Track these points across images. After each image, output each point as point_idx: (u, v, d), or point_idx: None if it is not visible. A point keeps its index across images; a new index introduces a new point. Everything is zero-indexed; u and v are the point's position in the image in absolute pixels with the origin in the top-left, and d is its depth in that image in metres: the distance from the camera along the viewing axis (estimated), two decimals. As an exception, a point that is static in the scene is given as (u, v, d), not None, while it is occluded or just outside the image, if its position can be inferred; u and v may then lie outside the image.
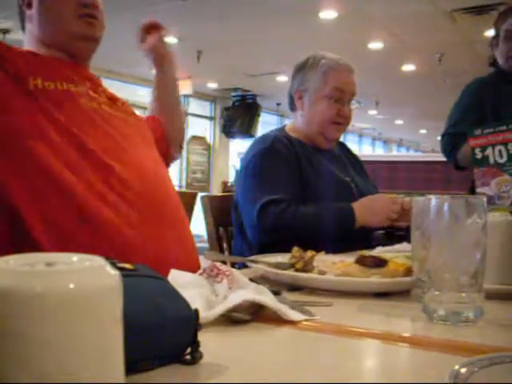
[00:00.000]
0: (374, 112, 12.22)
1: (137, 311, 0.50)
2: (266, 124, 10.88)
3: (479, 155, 1.67)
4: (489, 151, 1.65)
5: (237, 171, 7.42)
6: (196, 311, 0.57)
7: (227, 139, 11.21)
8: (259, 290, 0.78)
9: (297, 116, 1.83)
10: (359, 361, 0.65)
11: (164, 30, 1.58)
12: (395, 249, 1.40)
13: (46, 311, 0.32)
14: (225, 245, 1.83)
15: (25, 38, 1.35)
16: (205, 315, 0.66)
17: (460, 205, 0.74)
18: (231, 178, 10.72)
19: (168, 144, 1.56)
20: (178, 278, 0.77)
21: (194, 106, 10.87)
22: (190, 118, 10.80)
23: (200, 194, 1.98)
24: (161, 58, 1.58)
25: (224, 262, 0.93)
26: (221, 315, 0.69)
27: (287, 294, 0.89)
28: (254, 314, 0.73)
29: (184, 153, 10.54)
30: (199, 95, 10.53)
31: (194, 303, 0.59)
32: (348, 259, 1.09)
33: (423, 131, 15.94)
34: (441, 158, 2.45)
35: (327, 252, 1.15)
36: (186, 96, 10.21)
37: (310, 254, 1.05)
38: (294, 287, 0.98)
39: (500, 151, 1.63)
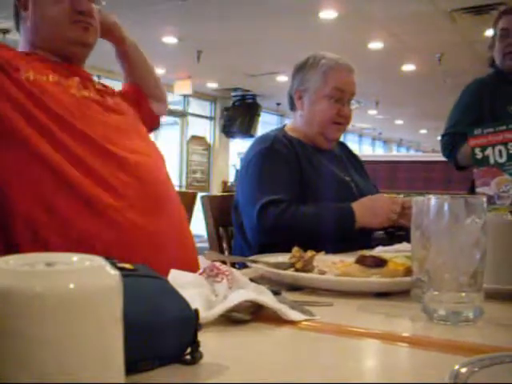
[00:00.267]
0: (373, 112, 12.22)
1: (137, 311, 0.50)
2: (266, 124, 10.88)
3: (479, 155, 1.67)
4: (489, 151, 1.65)
5: (237, 171, 7.41)
6: (196, 311, 0.57)
7: (227, 139, 11.21)
8: (259, 289, 0.78)
9: (296, 116, 1.83)
10: (359, 361, 0.65)
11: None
12: (395, 249, 1.40)
13: (46, 311, 0.32)
14: (225, 245, 1.83)
15: (20, 39, 1.35)
16: (205, 315, 0.66)
17: (460, 205, 0.74)
18: (231, 177, 10.73)
19: (150, 105, 1.58)
20: (178, 277, 0.77)
21: (194, 106, 10.87)
22: (190, 118, 10.80)
23: (200, 194, 1.98)
24: (111, 29, 1.51)
25: (224, 262, 0.93)
26: (221, 315, 0.69)
27: (287, 294, 0.89)
28: (254, 313, 0.73)
29: (184, 153, 10.54)
30: (199, 95, 10.53)
31: (194, 303, 0.59)
32: (348, 259, 1.09)
33: (423, 131, 15.94)
34: (441, 157, 2.45)
35: (327, 252, 1.15)
36: (186, 96, 10.22)
37: (309, 253, 1.05)
38: (294, 287, 0.98)
39: (500, 151, 1.64)
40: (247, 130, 10.54)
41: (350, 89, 1.76)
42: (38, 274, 0.33)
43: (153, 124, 1.58)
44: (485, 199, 0.76)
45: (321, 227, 1.52)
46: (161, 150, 1.39)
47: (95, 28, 1.34)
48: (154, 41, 7.00)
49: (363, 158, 2.07)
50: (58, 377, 0.32)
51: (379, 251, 1.37)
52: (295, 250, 1.06)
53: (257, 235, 1.60)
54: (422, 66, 8.09)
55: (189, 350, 0.56)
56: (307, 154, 1.72)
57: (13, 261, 0.35)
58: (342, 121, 1.78)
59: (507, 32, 2.19)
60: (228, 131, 10.89)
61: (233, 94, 10.61)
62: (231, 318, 0.71)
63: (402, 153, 17.68)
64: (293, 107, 1.85)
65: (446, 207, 0.74)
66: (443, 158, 2.38)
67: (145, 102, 1.55)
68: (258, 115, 10.72)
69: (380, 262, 0.98)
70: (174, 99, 10.21)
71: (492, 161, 1.64)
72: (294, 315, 0.74)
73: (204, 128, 11.14)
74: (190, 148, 10.65)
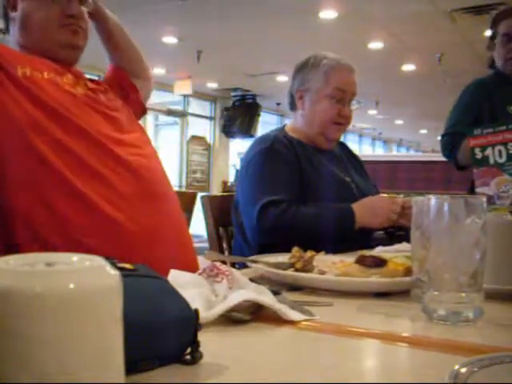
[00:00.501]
0: (373, 112, 12.22)
1: (137, 311, 0.50)
2: (266, 124, 10.88)
3: (479, 155, 1.67)
4: (489, 151, 1.65)
5: (237, 171, 7.41)
6: (196, 311, 0.57)
7: (227, 139, 11.21)
8: (259, 289, 0.78)
9: (297, 116, 1.83)
10: (359, 361, 0.65)
11: None
12: (395, 249, 1.40)
13: (46, 311, 0.32)
14: (225, 245, 1.83)
15: (10, 39, 1.35)
16: (205, 315, 0.66)
17: (460, 205, 0.74)
18: (231, 177, 10.72)
19: (138, 94, 1.55)
20: (178, 278, 0.77)
21: (194, 106, 10.87)
22: (190, 118, 10.80)
23: (200, 194, 1.98)
24: (95, 9, 1.46)
25: (224, 262, 0.93)
26: (221, 315, 0.69)
27: (287, 294, 0.89)
28: (254, 313, 0.73)
29: (184, 153, 10.54)
30: (199, 95, 10.52)
31: (194, 303, 0.59)
32: (348, 259, 1.09)
33: (423, 131, 15.94)
34: (441, 157, 2.44)
35: (327, 252, 1.15)
36: (186, 96, 10.22)
37: (309, 254, 1.05)
38: (294, 287, 0.98)
39: (500, 151, 1.63)
40: (247, 130, 10.54)
41: (351, 89, 1.76)
42: (38, 274, 0.33)
43: (141, 110, 1.56)
44: (485, 199, 0.76)
45: (321, 227, 1.52)
46: (159, 149, 1.39)
47: (85, 30, 1.33)
48: (154, 41, 7.00)
49: (363, 158, 2.07)
50: (58, 377, 0.32)
51: (379, 251, 1.37)
52: (295, 250, 1.06)
53: (257, 235, 1.60)
54: (422, 66, 8.08)
55: (189, 350, 0.56)
56: (307, 154, 1.72)
57: (13, 261, 0.35)
58: (342, 121, 1.77)
59: (509, 38, 2.18)
60: (228, 131, 10.88)
61: (233, 94, 10.61)
62: (231, 318, 0.71)
63: (402, 153, 17.67)
64: (293, 107, 1.85)
65: (446, 207, 0.74)
66: (443, 158, 2.38)
67: (131, 89, 1.53)
68: (258, 115, 10.72)
69: (380, 262, 0.98)
70: (174, 99, 10.21)
71: (492, 161, 1.64)
72: (294, 315, 0.74)
73: (204, 128, 11.14)
74: (190, 148, 10.64)
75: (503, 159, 1.63)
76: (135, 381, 0.50)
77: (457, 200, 0.74)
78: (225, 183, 10.79)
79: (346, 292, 0.93)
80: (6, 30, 1.36)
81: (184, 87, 9.32)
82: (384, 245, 1.49)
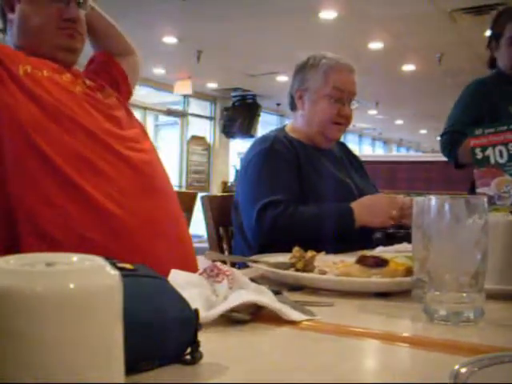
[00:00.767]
0: (373, 112, 12.22)
1: (137, 311, 0.50)
2: (266, 124, 10.88)
3: (480, 155, 1.67)
4: (489, 151, 1.65)
5: (237, 171, 7.41)
6: (196, 311, 0.57)
7: (227, 139, 11.21)
8: (260, 289, 0.78)
9: (297, 116, 1.83)
10: (360, 361, 0.65)
11: None
12: (395, 249, 1.40)
13: (46, 311, 0.32)
14: (225, 245, 1.83)
15: (8, 40, 1.34)
16: (205, 315, 0.66)
17: (460, 205, 0.74)
18: (231, 177, 10.72)
19: (122, 69, 1.53)
20: (178, 278, 0.77)
21: (194, 106, 10.87)
22: (190, 118, 10.80)
23: (200, 194, 1.98)
24: None
25: (224, 262, 0.92)
26: (221, 315, 0.69)
27: (288, 294, 0.89)
28: (254, 314, 0.73)
29: (184, 153, 10.54)
30: (199, 95, 10.52)
31: (194, 303, 0.59)
32: (349, 259, 1.09)
33: (423, 131, 15.94)
34: (441, 158, 2.44)
35: (328, 252, 1.15)
36: (186, 96, 10.22)
37: (310, 254, 1.04)
38: (295, 287, 0.98)
39: (500, 151, 1.63)
40: (247, 130, 10.54)
41: (350, 89, 1.76)
42: (38, 274, 0.33)
43: (129, 94, 1.55)
44: (485, 199, 0.76)
45: (320, 227, 1.52)
46: (160, 149, 1.39)
47: (82, 34, 1.33)
48: (154, 41, 7.00)
49: (363, 158, 2.07)
50: (58, 377, 0.32)
51: (379, 251, 1.37)
52: (295, 250, 1.06)
53: (256, 236, 1.60)
54: (422, 66, 8.09)
55: (189, 350, 0.56)
56: (307, 154, 1.72)
57: (13, 261, 0.35)
58: (342, 121, 1.77)
59: None
60: (228, 131, 10.88)
61: (233, 94, 10.61)
62: (231, 318, 0.71)
63: (402, 153, 17.68)
64: (293, 107, 1.85)
65: (446, 207, 0.74)
66: (443, 158, 2.37)
67: (119, 72, 1.51)
68: (258, 115, 10.72)
69: (381, 262, 0.98)
70: (174, 99, 10.22)
71: (492, 161, 1.64)
72: (295, 315, 0.73)
73: (204, 128, 11.14)
74: (190, 148, 10.64)
75: (504, 159, 1.63)
76: (135, 381, 0.50)
77: (458, 200, 0.74)
78: (225, 183, 10.79)
79: (347, 292, 0.93)
80: (4, 31, 1.35)
81: (184, 87, 9.32)
82: (384, 245, 1.48)
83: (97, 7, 1.50)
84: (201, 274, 0.82)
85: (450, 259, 0.74)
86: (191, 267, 1.21)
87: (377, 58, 7.45)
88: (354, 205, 1.58)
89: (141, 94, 8.75)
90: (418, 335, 0.74)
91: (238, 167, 2.09)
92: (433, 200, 0.75)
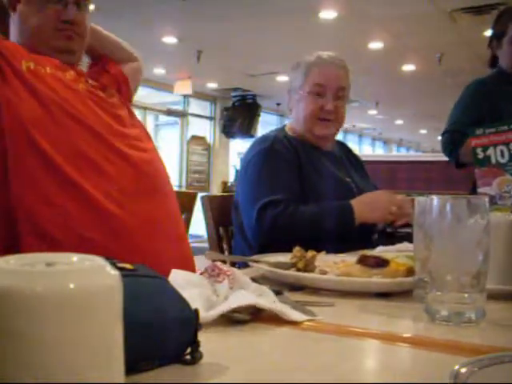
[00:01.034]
0: (373, 112, 12.23)
1: (137, 311, 0.50)
2: (266, 124, 10.88)
3: (481, 155, 1.67)
4: (490, 151, 1.65)
5: (237, 171, 7.41)
6: (196, 311, 0.57)
7: (227, 139, 11.21)
8: (260, 290, 0.77)
9: (292, 116, 1.85)
10: (360, 361, 0.65)
11: None
12: (396, 248, 1.40)
13: (46, 311, 0.32)
14: (225, 245, 1.83)
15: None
16: (205, 315, 0.65)
17: (462, 205, 0.74)
18: (231, 177, 10.73)
19: (124, 71, 1.53)
20: (178, 278, 0.77)
21: (194, 106, 10.87)
22: (190, 118, 10.80)
23: (200, 194, 1.98)
24: None
25: (224, 262, 0.92)
26: (221, 315, 0.69)
27: (289, 294, 0.89)
28: (254, 314, 0.73)
29: (184, 153, 10.55)
30: (199, 95, 10.53)
31: (194, 303, 0.59)
32: (349, 259, 1.09)
33: (423, 131, 15.95)
34: (441, 158, 2.44)
35: (328, 252, 1.15)
36: (186, 96, 10.22)
37: (311, 253, 1.04)
38: (295, 287, 0.98)
39: (502, 151, 1.63)
40: (247, 130, 10.55)
41: (332, 83, 1.72)
42: (38, 274, 0.33)
43: (131, 98, 1.55)
44: (487, 199, 0.75)
45: (320, 226, 1.52)
46: (160, 149, 1.39)
47: (81, 36, 1.32)
48: (154, 41, 7.01)
49: (363, 158, 2.07)
50: (58, 377, 0.32)
51: (380, 251, 1.37)
52: (296, 249, 1.06)
53: (256, 236, 1.60)
54: (422, 66, 8.09)
55: (189, 350, 0.55)
56: (307, 154, 1.72)
57: (13, 261, 0.35)
58: (328, 117, 1.74)
59: None
60: (228, 131, 10.89)
61: (233, 94, 10.61)
62: (231, 319, 0.71)
63: (402, 153, 17.68)
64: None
65: (448, 207, 0.74)
66: (443, 158, 2.37)
67: (121, 77, 1.51)
68: (258, 115, 10.73)
69: (381, 262, 0.98)
70: (174, 99, 10.22)
71: (494, 161, 1.64)
72: (296, 315, 0.73)
73: (204, 128, 11.15)
74: (190, 148, 10.65)
75: (505, 159, 1.63)
76: (135, 381, 0.50)
77: (459, 200, 0.74)
78: (225, 183, 10.80)
79: (348, 292, 0.93)
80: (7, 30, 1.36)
81: (184, 87, 9.33)
82: (385, 245, 1.48)
83: (100, 29, 1.51)
84: (202, 274, 0.82)
85: (451, 259, 0.74)
86: (190, 267, 1.21)
87: (377, 57, 7.46)
88: (354, 202, 1.58)
89: (141, 94, 8.74)
90: (419, 335, 0.73)
91: (238, 167, 2.09)
92: (434, 200, 0.75)
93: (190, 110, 10.81)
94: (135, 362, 0.50)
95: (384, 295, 0.92)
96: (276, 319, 0.72)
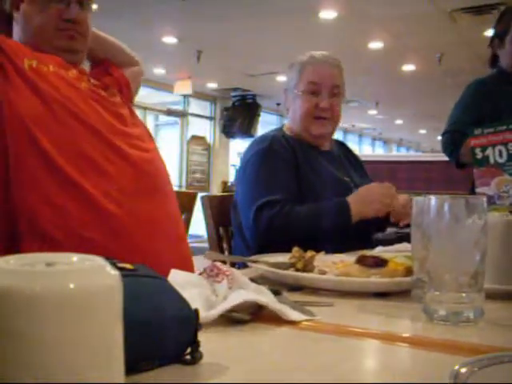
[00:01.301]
0: (373, 112, 12.22)
1: (137, 311, 0.50)
2: (266, 124, 10.87)
3: (479, 155, 1.67)
4: (489, 151, 1.65)
5: (237, 171, 7.41)
6: (196, 311, 0.57)
7: (227, 139, 11.21)
8: (260, 290, 0.78)
9: (289, 115, 1.85)
10: (360, 361, 0.65)
11: None
12: (395, 249, 1.40)
13: (46, 311, 0.32)
14: (225, 245, 1.83)
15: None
16: (205, 315, 0.66)
17: (460, 205, 0.74)
18: (231, 178, 10.72)
19: (127, 79, 1.53)
20: (178, 277, 0.77)
21: (194, 106, 10.87)
22: (190, 118, 10.80)
23: (200, 194, 1.98)
24: None
25: (224, 262, 0.92)
26: (221, 315, 0.69)
27: (288, 294, 0.89)
28: (254, 314, 0.73)
29: (184, 153, 10.54)
30: (199, 95, 10.52)
31: (194, 303, 0.59)
32: (348, 259, 1.09)
33: (423, 131, 15.94)
34: (441, 158, 2.44)
35: (327, 252, 1.15)
36: (186, 96, 10.22)
37: (309, 253, 1.04)
38: (294, 287, 0.98)
39: (500, 151, 1.64)
40: (247, 130, 10.54)
41: (326, 81, 1.73)
42: (38, 274, 0.33)
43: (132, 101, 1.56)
44: (485, 199, 0.76)
45: (317, 224, 1.52)
46: (160, 149, 1.39)
47: (83, 35, 1.32)
48: (154, 41, 7.00)
49: (363, 158, 2.07)
50: (58, 377, 0.32)
51: (379, 251, 1.37)
52: (295, 250, 1.06)
53: (254, 236, 1.60)
54: (422, 66, 8.09)
55: (189, 349, 0.56)
56: (305, 153, 1.72)
57: (13, 261, 0.35)
58: (323, 114, 1.74)
59: None
60: (228, 131, 10.88)
61: (233, 94, 10.61)
62: (231, 318, 0.71)
63: (402, 153, 17.67)
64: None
65: (446, 207, 0.74)
66: (443, 158, 2.37)
67: (123, 80, 1.51)
68: (258, 115, 10.72)
69: (380, 262, 0.98)
70: (174, 99, 10.21)
71: (492, 161, 1.65)
72: (295, 315, 0.73)
73: (204, 128, 11.14)
74: (190, 148, 10.64)
75: (503, 159, 1.63)
76: (135, 381, 0.50)
77: (457, 200, 0.74)
78: (225, 183, 10.79)
79: (347, 292, 0.93)
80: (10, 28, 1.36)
81: (184, 87, 9.32)
82: (384, 245, 1.49)
83: (103, 34, 1.51)
84: (201, 274, 0.82)
85: (449, 259, 0.74)
86: (189, 268, 1.21)
87: (377, 57, 7.45)
88: (350, 198, 1.58)
89: (141, 94, 8.68)
90: (418, 335, 0.74)
91: (238, 167, 2.09)
92: (432, 200, 0.75)
93: (190, 110, 10.80)
94: (135, 362, 0.50)
95: (382, 295, 0.93)
96: (276, 319, 0.72)
